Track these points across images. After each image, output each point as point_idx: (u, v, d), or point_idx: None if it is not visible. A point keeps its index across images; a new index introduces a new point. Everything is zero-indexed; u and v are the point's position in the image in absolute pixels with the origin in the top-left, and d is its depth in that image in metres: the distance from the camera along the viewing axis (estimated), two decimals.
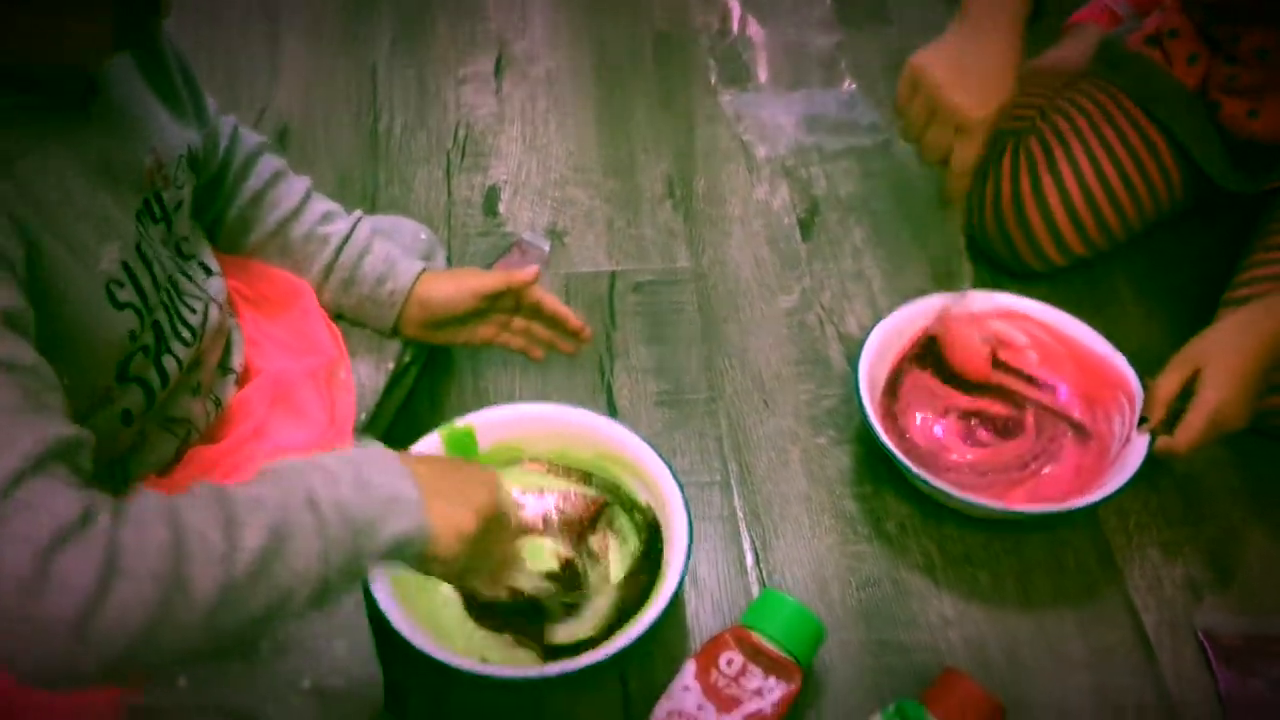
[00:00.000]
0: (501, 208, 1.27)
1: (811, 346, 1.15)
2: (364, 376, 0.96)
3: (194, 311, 0.81)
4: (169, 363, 0.78)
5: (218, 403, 0.85)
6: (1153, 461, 0.93)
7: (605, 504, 0.95)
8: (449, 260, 1.13)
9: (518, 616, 0.88)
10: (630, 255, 1.23)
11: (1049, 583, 0.96)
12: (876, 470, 1.04)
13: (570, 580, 0.92)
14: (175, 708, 0.69)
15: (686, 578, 0.92)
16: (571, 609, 0.90)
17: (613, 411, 1.08)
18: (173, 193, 0.79)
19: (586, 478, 0.97)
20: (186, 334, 0.80)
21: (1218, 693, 0.89)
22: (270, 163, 0.94)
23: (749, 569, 0.97)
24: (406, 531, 0.66)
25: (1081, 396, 1.04)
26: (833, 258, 1.24)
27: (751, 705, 0.83)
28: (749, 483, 1.03)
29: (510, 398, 1.09)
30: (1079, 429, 1.02)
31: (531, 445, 0.97)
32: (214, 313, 0.83)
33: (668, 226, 1.26)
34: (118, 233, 0.71)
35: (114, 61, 0.74)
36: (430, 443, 0.94)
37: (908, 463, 0.95)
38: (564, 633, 0.89)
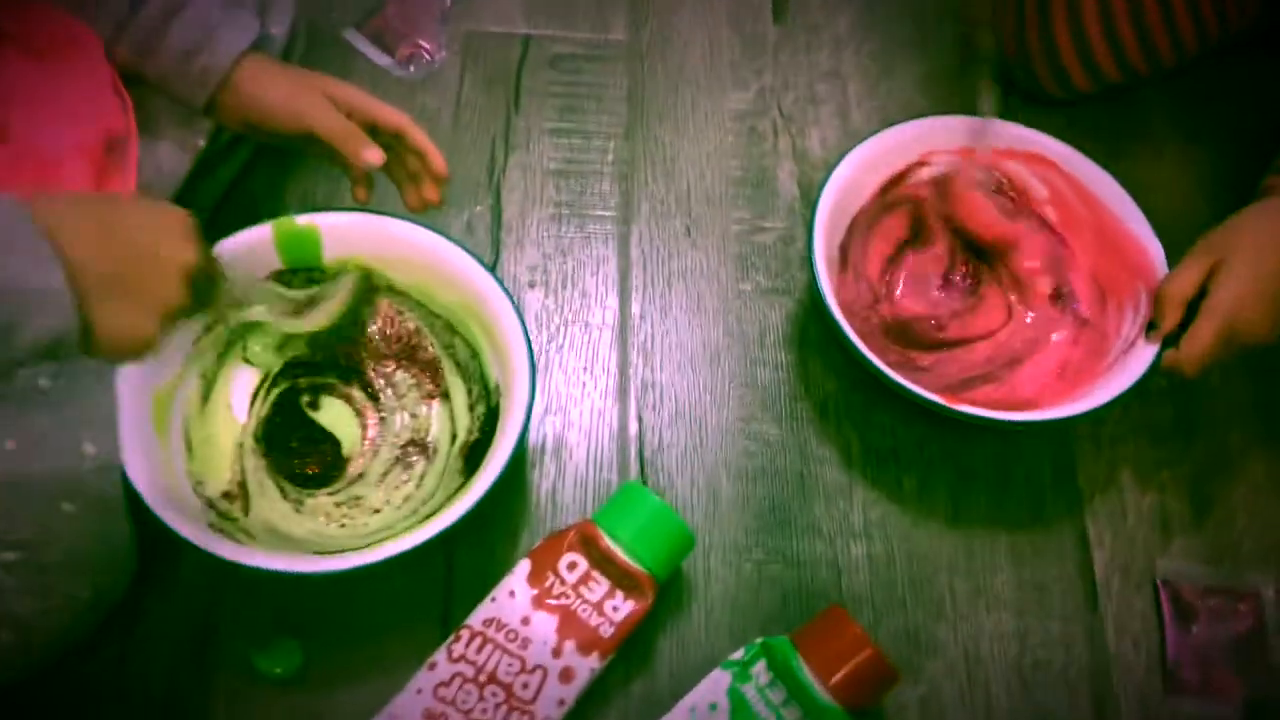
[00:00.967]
0: None
1: (758, 163, 0.92)
2: (163, 157, 0.75)
3: None
4: None
5: None
6: (1154, 375, 0.74)
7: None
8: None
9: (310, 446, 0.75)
10: (553, 17, 0.98)
11: (987, 497, 0.79)
12: (806, 333, 0.84)
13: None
14: None
15: (533, 450, 0.75)
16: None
17: (497, 221, 0.88)
18: None
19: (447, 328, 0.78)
20: None
21: (1163, 656, 0.74)
22: None
23: (630, 439, 0.80)
24: (52, 337, 0.50)
25: (1092, 276, 0.83)
26: (805, 48, 0.99)
27: (589, 623, 0.68)
28: (649, 329, 0.84)
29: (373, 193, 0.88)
30: (1078, 316, 0.82)
31: (387, 269, 0.77)
32: None
33: None
34: None
35: None
36: (258, 237, 0.75)
37: (846, 326, 0.75)
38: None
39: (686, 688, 0.68)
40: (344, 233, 0.76)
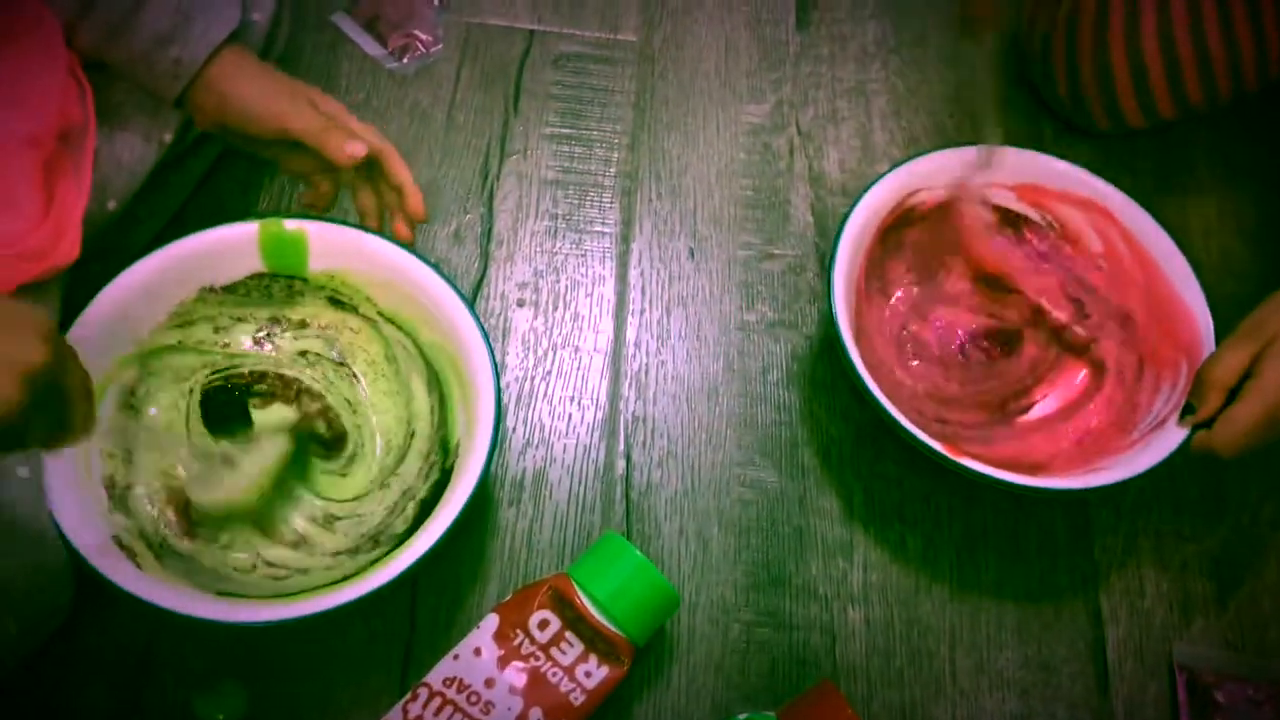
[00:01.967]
0: None
1: (770, 184, 0.86)
2: (123, 149, 0.69)
3: None
4: None
5: None
6: (1175, 468, 0.68)
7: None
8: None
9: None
10: (560, 12, 0.92)
11: (996, 563, 0.73)
12: (813, 372, 0.78)
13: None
14: None
15: (511, 486, 0.70)
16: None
17: (487, 232, 0.82)
18: None
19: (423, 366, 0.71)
20: None
21: None
22: None
23: (616, 479, 0.74)
24: None
25: (1132, 341, 0.77)
26: (830, 60, 0.92)
27: (559, 689, 0.62)
28: (643, 358, 0.78)
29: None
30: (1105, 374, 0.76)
31: (366, 289, 0.70)
32: None
33: None
34: None
35: None
36: (241, 234, 0.69)
37: (865, 374, 0.69)
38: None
39: None
40: (331, 244, 0.70)
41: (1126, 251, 0.77)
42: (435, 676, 0.63)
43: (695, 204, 0.84)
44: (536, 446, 0.74)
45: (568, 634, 0.63)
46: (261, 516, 0.67)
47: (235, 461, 0.66)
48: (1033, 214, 0.80)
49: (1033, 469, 0.71)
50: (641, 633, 0.64)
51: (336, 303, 0.71)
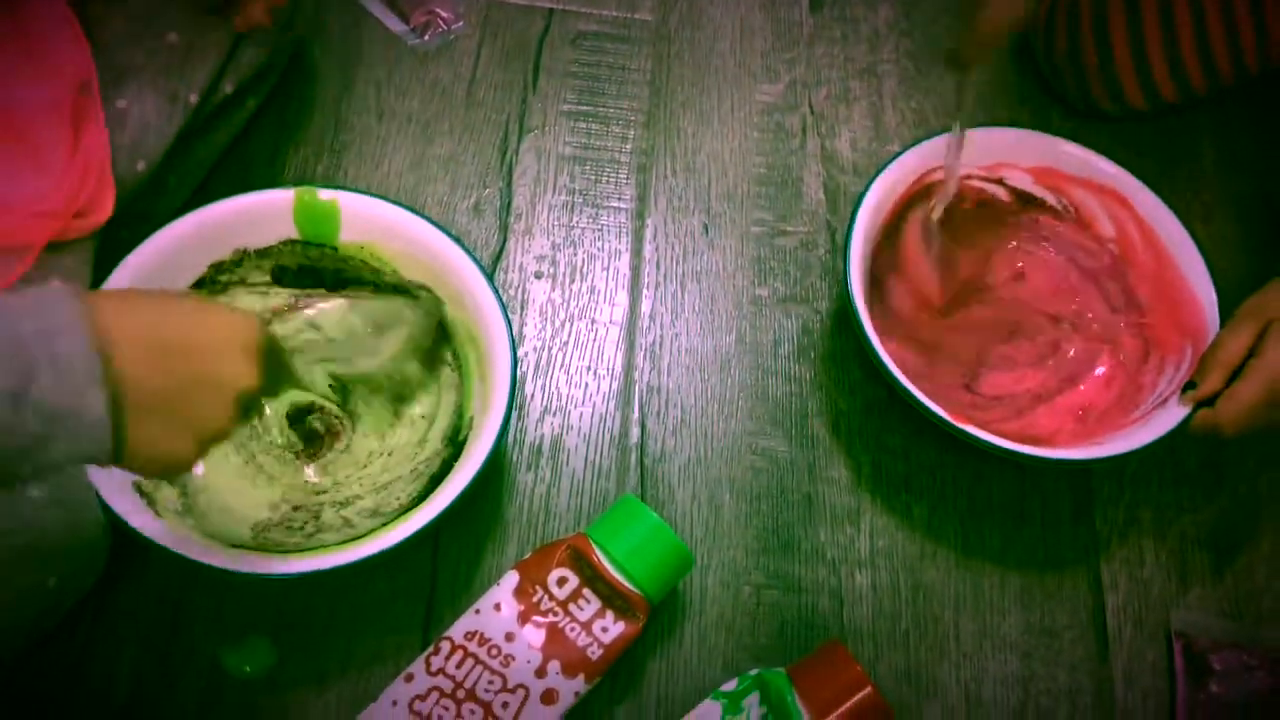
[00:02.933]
0: None
1: (783, 162, 0.88)
2: (149, 111, 0.70)
3: None
4: None
5: None
6: (1177, 438, 0.70)
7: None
8: None
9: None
10: None
11: (1000, 532, 0.75)
12: (823, 346, 0.80)
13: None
14: None
15: (529, 452, 0.72)
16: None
17: (506, 205, 0.83)
18: None
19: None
20: None
21: (1172, 713, 0.71)
22: None
23: (631, 446, 0.76)
24: (83, 456, 0.45)
25: (1138, 324, 0.79)
26: (843, 40, 0.94)
27: (576, 643, 0.65)
28: (658, 330, 0.80)
29: (376, 163, 0.83)
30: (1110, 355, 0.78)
31: (393, 259, 0.72)
32: None
33: None
34: None
35: None
36: (277, 200, 0.71)
37: (877, 344, 0.71)
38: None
39: (674, 716, 0.65)
40: (362, 216, 0.72)
41: (1138, 236, 0.79)
42: (457, 630, 0.65)
43: (709, 181, 0.86)
44: (554, 414, 0.76)
45: (585, 591, 0.66)
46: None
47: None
48: (1049, 197, 0.81)
49: (1035, 444, 0.73)
50: (657, 591, 0.66)
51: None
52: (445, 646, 0.64)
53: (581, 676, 0.64)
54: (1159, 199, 0.78)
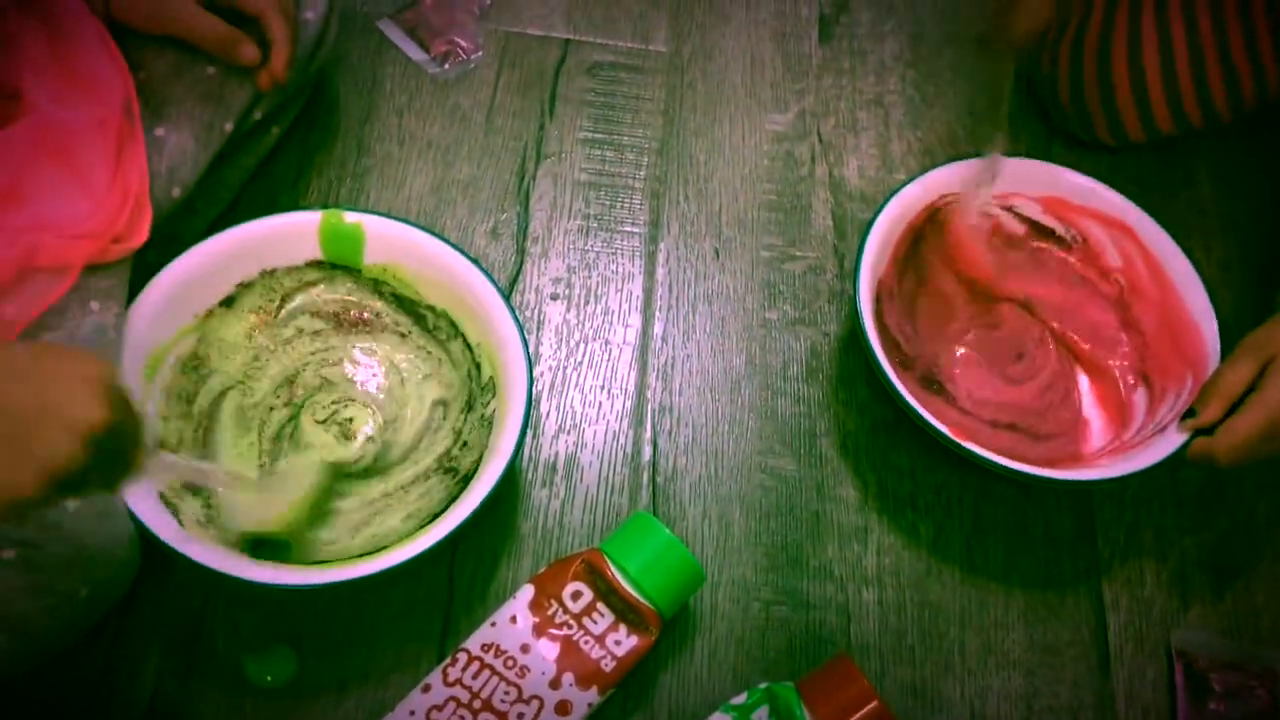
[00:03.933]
0: None
1: (793, 189, 0.90)
2: (187, 140, 0.73)
3: None
4: None
5: None
6: (1178, 463, 0.71)
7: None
8: None
9: None
10: (594, 23, 0.96)
11: (1004, 551, 0.77)
12: (830, 368, 0.82)
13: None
14: None
15: (544, 469, 0.74)
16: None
17: (523, 229, 0.86)
18: None
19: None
20: None
21: None
22: None
23: (644, 464, 0.78)
24: None
25: (1140, 354, 0.81)
26: (850, 73, 0.97)
27: (590, 656, 0.66)
28: (670, 351, 0.82)
29: (398, 187, 0.86)
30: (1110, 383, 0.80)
31: (414, 281, 0.75)
32: None
33: None
34: None
35: None
36: (304, 222, 0.73)
37: (886, 364, 0.73)
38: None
39: None
40: (386, 239, 0.74)
41: (1144, 268, 0.81)
42: (473, 642, 0.67)
43: (721, 206, 0.89)
44: (568, 432, 0.78)
45: (599, 605, 0.67)
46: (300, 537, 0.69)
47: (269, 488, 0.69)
48: (1057, 226, 0.84)
49: (1037, 463, 0.75)
50: (669, 605, 0.68)
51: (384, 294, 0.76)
52: (462, 658, 0.66)
53: (595, 688, 0.66)
54: (1166, 233, 0.80)
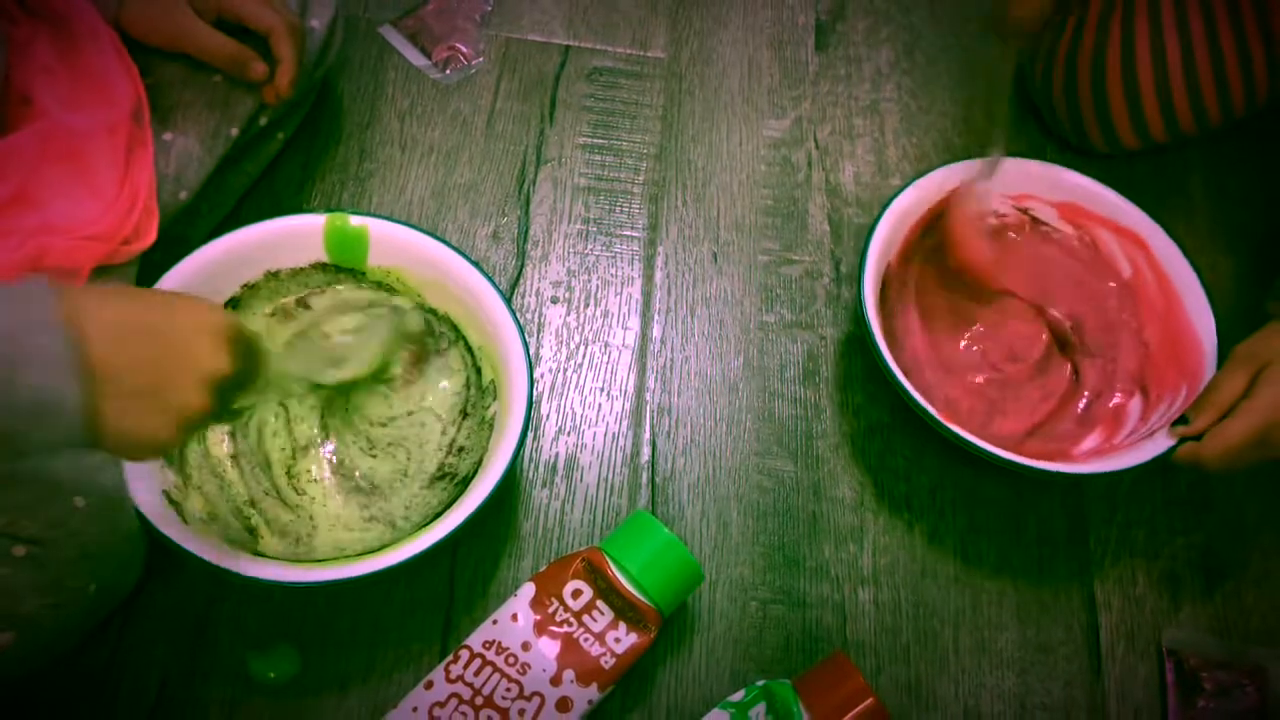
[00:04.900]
0: None
1: (789, 194, 0.91)
2: (194, 144, 0.74)
3: None
4: None
5: None
6: (1166, 465, 0.73)
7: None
8: None
9: None
10: (594, 30, 0.97)
11: (997, 551, 0.78)
12: (827, 370, 0.84)
13: None
14: None
15: (544, 469, 0.75)
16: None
17: (524, 233, 0.87)
18: None
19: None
20: None
21: None
22: None
23: (642, 465, 0.79)
24: (63, 441, 0.48)
25: (1140, 363, 0.82)
26: (846, 79, 0.98)
27: (590, 653, 0.67)
28: (669, 354, 0.83)
29: (399, 191, 0.87)
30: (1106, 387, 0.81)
31: (418, 284, 0.76)
32: None
33: None
34: None
35: None
36: (309, 225, 0.74)
37: (892, 362, 0.74)
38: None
39: None
40: (390, 242, 0.75)
41: (1152, 278, 0.82)
42: (475, 640, 0.68)
43: (718, 211, 0.90)
44: (568, 433, 0.79)
45: (599, 603, 0.68)
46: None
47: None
48: (1069, 231, 0.85)
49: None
50: (668, 604, 0.69)
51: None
52: (464, 655, 0.67)
53: (595, 685, 0.66)
54: (1175, 244, 0.82)
